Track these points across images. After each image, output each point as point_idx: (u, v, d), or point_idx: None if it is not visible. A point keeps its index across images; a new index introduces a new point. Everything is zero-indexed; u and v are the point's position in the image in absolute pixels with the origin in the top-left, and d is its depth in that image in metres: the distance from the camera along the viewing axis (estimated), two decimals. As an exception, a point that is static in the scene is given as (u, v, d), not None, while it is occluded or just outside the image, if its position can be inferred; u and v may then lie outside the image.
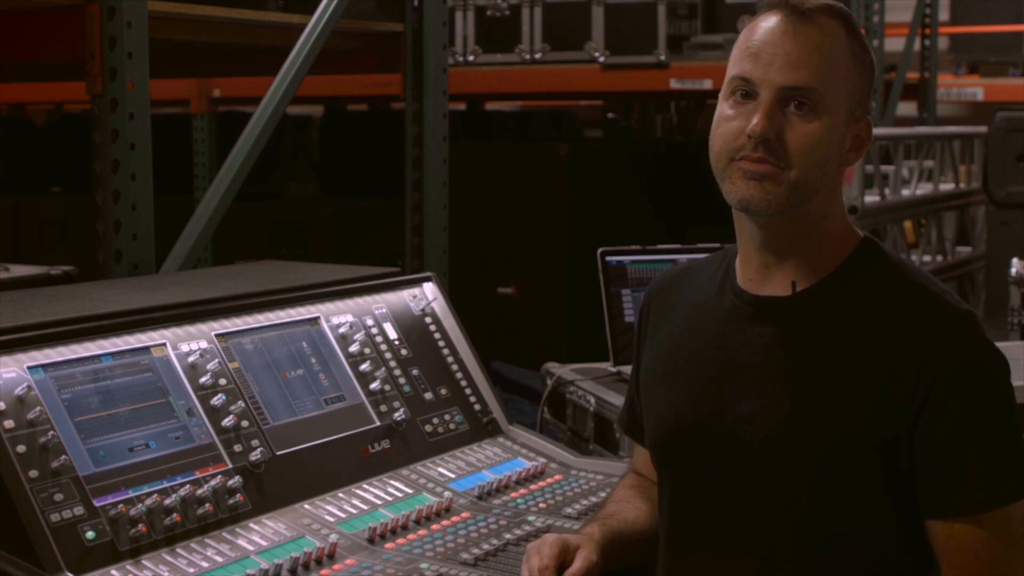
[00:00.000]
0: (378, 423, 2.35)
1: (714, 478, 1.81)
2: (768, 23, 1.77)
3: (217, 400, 2.13)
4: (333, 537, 2.04)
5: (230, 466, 2.08)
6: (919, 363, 1.69)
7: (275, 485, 2.11)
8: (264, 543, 2.00)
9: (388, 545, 2.07)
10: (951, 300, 1.76)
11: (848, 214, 1.86)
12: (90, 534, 1.86)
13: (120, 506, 1.91)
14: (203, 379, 2.14)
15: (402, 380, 2.45)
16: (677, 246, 3.38)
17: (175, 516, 1.96)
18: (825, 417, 1.73)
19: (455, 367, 2.57)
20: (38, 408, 1.91)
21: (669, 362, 1.91)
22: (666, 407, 1.89)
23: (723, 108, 1.79)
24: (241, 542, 1.99)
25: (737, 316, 1.83)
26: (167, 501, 1.96)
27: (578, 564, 1.84)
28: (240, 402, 2.16)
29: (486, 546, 2.09)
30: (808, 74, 1.73)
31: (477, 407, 2.54)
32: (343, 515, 2.13)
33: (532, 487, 2.37)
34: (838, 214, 1.82)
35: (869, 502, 1.73)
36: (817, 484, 1.73)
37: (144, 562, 1.88)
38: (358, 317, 2.47)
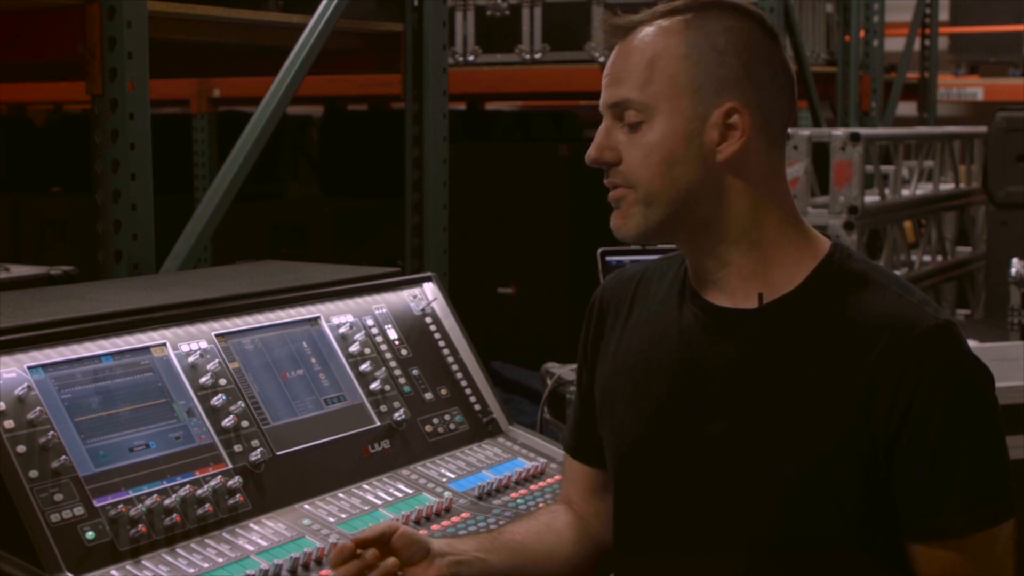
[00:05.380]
0: (378, 423, 2.35)
1: (679, 501, 1.73)
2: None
3: (217, 400, 2.13)
4: (333, 537, 2.04)
5: (230, 466, 2.08)
6: (897, 379, 1.62)
7: (275, 485, 2.11)
8: (264, 543, 2.00)
9: (388, 545, 2.07)
10: (929, 311, 1.66)
11: (801, 220, 1.75)
12: (90, 534, 1.86)
13: (120, 506, 1.91)
14: (203, 379, 2.14)
15: (402, 380, 2.45)
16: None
17: (175, 516, 1.96)
18: (799, 440, 1.65)
19: (455, 367, 2.57)
20: (38, 408, 1.91)
21: (630, 377, 1.81)
22: (629, 427, 1.80)
23: None
24: (241, 542, 1.99)
25: (701, 328, 1.74)
26: (167, 501, 1.96)
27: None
28: (240, 402, 2.17)
29: (486, 546, 2.09)
30: (624, 87, 1.70)
31: (477, 407, 2.54)
32: (343, 515, 2.13)
33: (532, 487, 2.36)
34: (769, 212, 1.72)
35: (844, 523, 1.65)
36: (789, 507, 1.65)
37: (144, 562, 1.88)
38: (358, 317, 2.47)
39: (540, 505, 2.26)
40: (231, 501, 2.04)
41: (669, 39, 1.69)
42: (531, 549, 1.89)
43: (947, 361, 1.63)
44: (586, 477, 1.95)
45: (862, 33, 7.10)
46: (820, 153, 5.09)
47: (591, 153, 1.72)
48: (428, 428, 2.43)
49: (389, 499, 2.21)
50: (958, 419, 1.62)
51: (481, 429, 2.52)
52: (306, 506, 2.13)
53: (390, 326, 2.51)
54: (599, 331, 1.90)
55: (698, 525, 1.72)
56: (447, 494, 2.27)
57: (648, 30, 1.71)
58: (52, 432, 1.91)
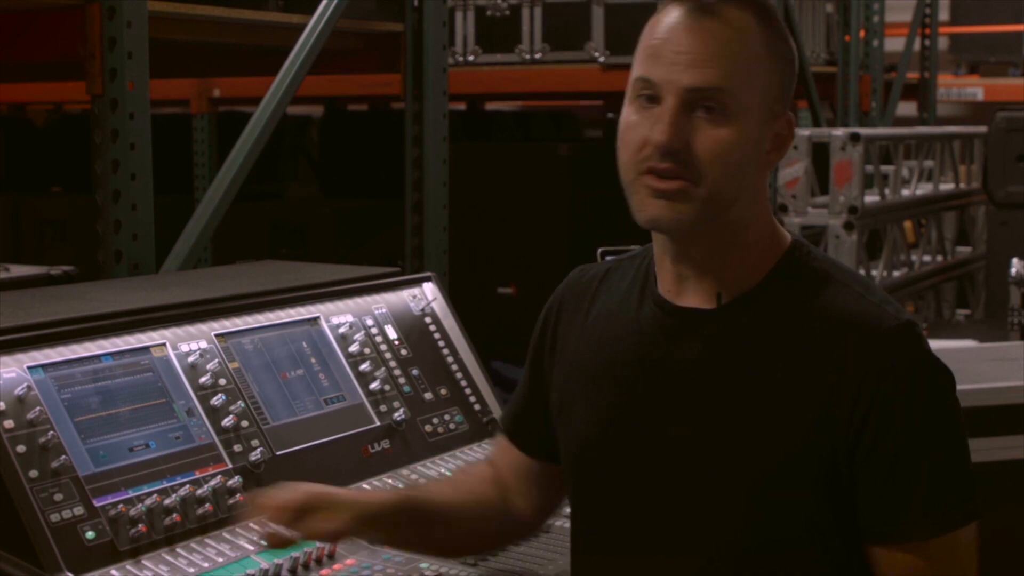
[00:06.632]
0: (378, 423, 2.35)
1: (639, 503, 1.70)
2: (670, 18, 1.62)
3: (217, 400, 2.13)
4: (333, 537, 2.04)
5: (230, 466, 2.08)
6: (857, 380, 1.58)
7: (275, 485, 2.11)
8: (264, 543, 1.99)
9: (388, 545, 2.07)
10: (889, 310, 1.63)
11: (773, 215, 1.72)
12: (90, 534, 1.86)
13: (120, 506, 1.91)
14: (203, 379, 2.14)
15: (402, 380, 2.45)
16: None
17: (175, 516, 1.96)
18: (760, 443, 1.62)
19: (455, 367, 2.57)
20: (38, 408, 1.91)
21: (588, 377, 1.77)
22: (587, 427, 1.76)
23: (628, 113, 1.64)
24: (241, 542, 1.99)
25: (659, 329, 1.70)
26: (167, 501, 1.96)
27: (325, 526, 1.76)
28: (240, 402, 2.17)
29: (486, 546, 2.09)
30: (715, 73, 1.58)
31: (477, 407, 2.54)
32: (343, 515, 2.12)
33: (532, 487, 2.36)
34: (762, 219, 1.69)
35: (806, 525, 1.62)
36: (751, 510, 1.62)
37: (144, 562, 1.89)
38: (358, 317, 2.47)
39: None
40: (231, 501, 2.04)
41: (755, 34, 1.62)
42: (448, 530, 1.90)
43: (908, 362, 1.60)
44: (522, 465, 1.92)
45: (862, 33, 7.10)
46: (820, 153, 5.10)
47: (666, 138, 1.58)
48: (428, 428, 2.43)
49: (389, 499, 2.21)
50: (919, 422, 1.59)
51: (481, 429, 2.52)
52: (306, 506, 2.12)
53: (390, 326, 2.51)
54: (556, 330, 1.86)
55: (658, 528, 1.69)
56: (447, 494, 2.27)
57: (734, 16, 1.61)
58: (52, 432, 1.91)
